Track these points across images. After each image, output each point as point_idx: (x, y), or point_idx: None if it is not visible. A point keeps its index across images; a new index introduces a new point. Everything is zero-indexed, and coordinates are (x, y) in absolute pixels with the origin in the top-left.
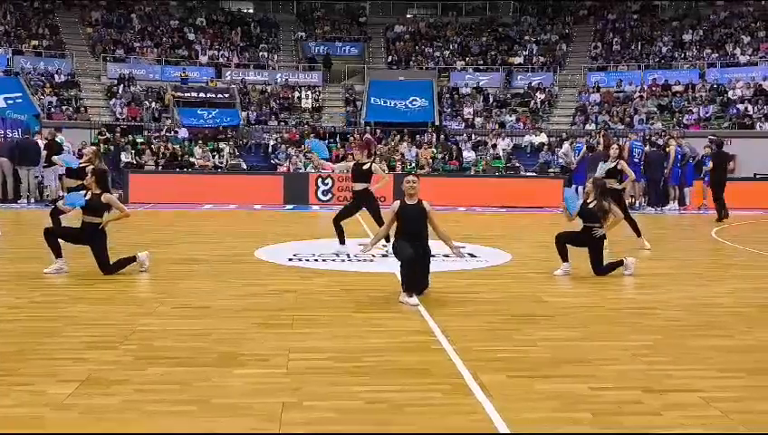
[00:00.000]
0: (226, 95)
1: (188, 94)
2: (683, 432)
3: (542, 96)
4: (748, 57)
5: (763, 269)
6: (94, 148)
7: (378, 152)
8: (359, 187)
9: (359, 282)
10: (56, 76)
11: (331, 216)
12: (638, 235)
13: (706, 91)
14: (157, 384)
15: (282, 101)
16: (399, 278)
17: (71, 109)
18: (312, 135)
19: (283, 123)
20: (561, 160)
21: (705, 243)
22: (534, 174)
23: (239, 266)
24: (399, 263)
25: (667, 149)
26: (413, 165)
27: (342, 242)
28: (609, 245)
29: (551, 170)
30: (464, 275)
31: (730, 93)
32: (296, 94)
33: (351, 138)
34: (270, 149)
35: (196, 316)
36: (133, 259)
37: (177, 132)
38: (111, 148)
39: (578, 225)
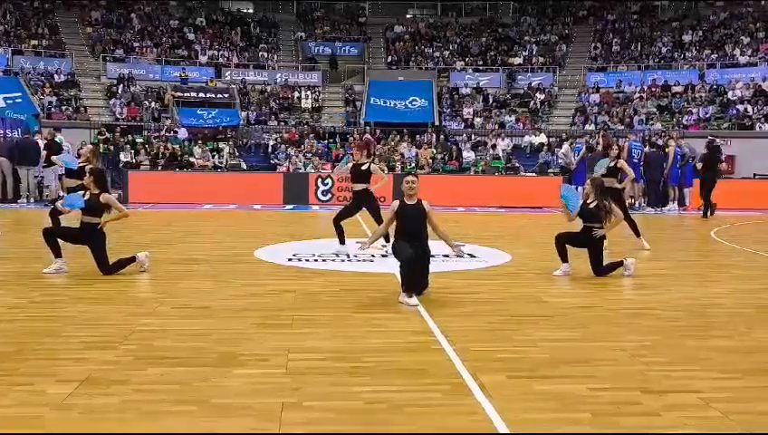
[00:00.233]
0: (226, 95)
1: (188, 94)
2: (682, 433)
3: (542, 96)
4: (748, 58)
5: (763, 270)
6: (91, 147)
7: (376, 153)
8: (358, 187)
9: (358, 282)
10: (56, 76)
11: (330, 216)
12: (638, 235)
13: (706, 92)
14: (156, 384)
15: (281, 101)
16: (399, 278)
17: (70, 109)
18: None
19: (282, 123)
20: (560, 161)
21: (705, 243)
22: (534, 174)
23: (239, 266)
24: (399, 263)
25: (667, 150)
26: (413, 165)
27: (342, 242)
28: (609, 245)
29: (550, 171)
30: (463, 276)
31: (730, 94)
32: (296, 94)
33: (351, 138)
34: (270, 150)
35: (196, 316)
36: (133, 260)
37: (176, 132)
38: (111, 148)
39: (577, 225)
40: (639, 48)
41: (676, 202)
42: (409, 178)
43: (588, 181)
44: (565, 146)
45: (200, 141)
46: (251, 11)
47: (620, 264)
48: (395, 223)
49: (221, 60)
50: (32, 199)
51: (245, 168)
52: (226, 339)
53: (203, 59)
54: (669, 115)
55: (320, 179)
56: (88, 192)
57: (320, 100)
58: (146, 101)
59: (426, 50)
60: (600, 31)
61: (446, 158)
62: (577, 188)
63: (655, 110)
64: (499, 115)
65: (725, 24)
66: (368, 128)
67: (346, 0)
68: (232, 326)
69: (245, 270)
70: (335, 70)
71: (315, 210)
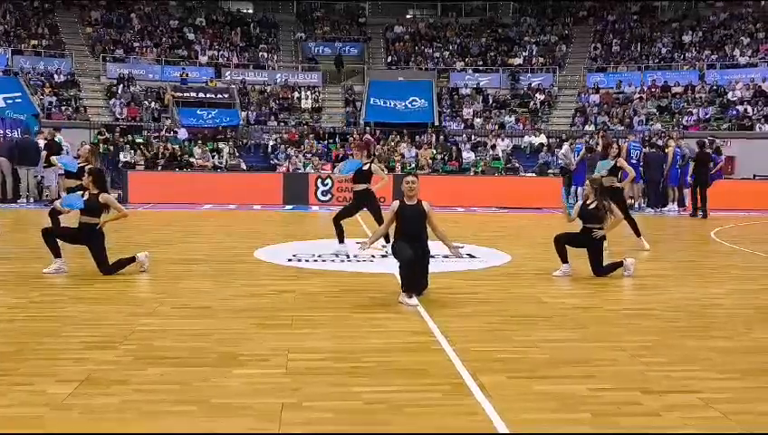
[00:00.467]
0: (226, 95)
1: (188, 94)
2: (682, 433)
3: (542, 97)
4: (747, 58)
5: (762, 270)
6: (89, 147)
7: (376, 153)
8: (359, 187)
9: (358, 282)
10: (56, 76)
11: (330, 216)
12: (638, 235)
13: (706, 93)
14: (156, 384)
15: (281, 102)
16: (398, 279)
17: (70, 109)
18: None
19: (282, 123)
20: (560, 161)
21: (705, 244)
22: (534, 175)
23: (239, 267)
24: (398, 264)
25: (666, 150)
26: (412, 165)
27: (342, 241)
28: (609, 246)
29: (550, 171)
30: (463, 276)
31: (729, 95)
32: (296, 95)
33: (351, 138)
34: (269, 150)
35: (196, 316)
36: (132, 260)
37: (176, 132)
38: (111, 148)
39: (577, 226)
40: (639, 49)
41: (676, 203)
42: (409, 178)
43: (587, 182)
44: (565, 146)
45: (200, 141)
46: (251, 11)
47: (620, 264)
48: (395, 223)
49: (221, 60)
50: (31, 199)
51: (245, 168)
52: (226, 339)
53: (203, 59)
54: (669, 116)
55: (319, 180)
56: (87, 192)
57: (319, 100)
58: (146, 102)
59: (426, 50)
60: (600, 31)
61: (446, 158)
62: (577, 189)
63: (655, 110)
64: (499, 116)
65: (725, 25)
66: (367, 128)
67: (346, 0)
68: (232, 326)
69: (245, 270)
70: (341, 70)
71: (315, 210)
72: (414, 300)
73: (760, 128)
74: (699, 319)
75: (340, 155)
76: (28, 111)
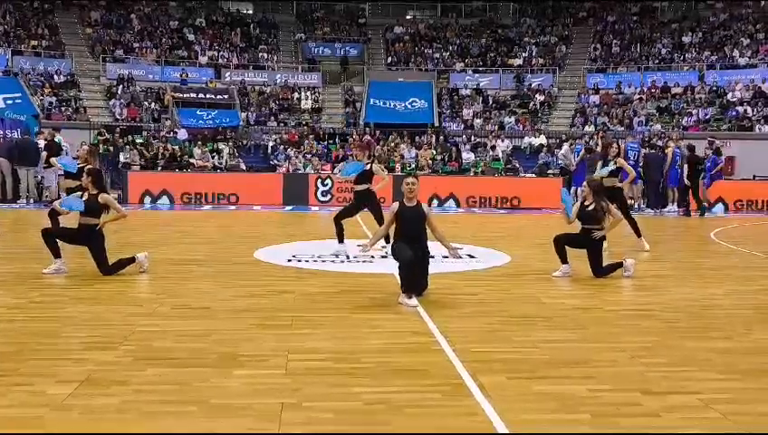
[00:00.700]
0: (226, 96)
1: (188, 95)
2: (682, 434)
3: (542, 98)
4: (747, 59)
5: (762, 271)
6: (87, 147)
7: (376, 154)
8: (360, 187)
9: (358, 283)
10: (56, 76)
11: (330, 217)
12: (639, 235)
13: (706, 93)
14: (156, 385)
15: (281, 102)
16: (398, 279)
17: (70, 109)
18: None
19: (282, 124)
20: (560, 162)
21: (704, 244)
22: (534, 175)
23: (238, 267)
24: (398, 264)
25: (666, 151)
26: (412, 166)
27: (341, 241)
28: (609, 246)
29: (550, 172)
30: (463, 277)
31: (729, 95)
32: (295, 95)
33: (351, 139)
34: (269, 150)
35: (196, 317)
36: (132, 260)
37: (176, 133)
38: (111, 148)
39: (577, 227)
40: (639, 49)
41: (676, 203)
42: (409, 179)
43: (584, 183)
44: (565, 147)
45: (200, 142)
46: (251, 12)
47: (620, 265)
48: (395, 224)
49: (221, 61)
50: (31, 200)
51: (245, 168)
52: (226, 340)
53: (203, 60)
54: (669, 116)
55: (319, 180)
56: (86, 193)
57: (319, 101)
58: (145, 102)
59: (425, 51)
60: (600, 32)
61: (446, 159)
62: (576, 190)
63: (654, 111)
64: (499, 116)
65: (725, 26)
66: (367, 129)
67: (346, 1)
68: (231, 327)
69: (245, 271)
70: (347, 70)
71: (315, 211)
72: (414, 301)
73: (760, 129)
74: (699, 320)
75: (340, 156)
76: (28, 112)
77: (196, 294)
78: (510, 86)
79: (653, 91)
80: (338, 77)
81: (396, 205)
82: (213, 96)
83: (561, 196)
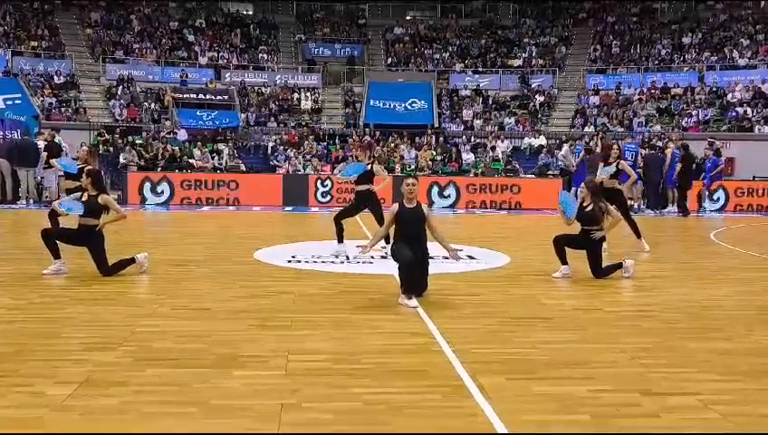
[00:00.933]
0: (226, 97)
1: (188, 96)
2: (681, 434)
3: (542, 98)
4: (747, 60)
5: (762, 272)
6: (87, 148)
7: (376, 154)
8: (361, 188)
9: (357, 284)
10: (55, 77)
11: (330, 217)
12: (638, 236)
13: (705, 94)
14: (156, 386)
15: (281, 103)
16: (398, 280)
17: (70, 110)
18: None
19: (282, 125)
20: (560, 163)
21: (704, 245)
22: (533, 176)
23: (238, 268)
24: (398, 265)
25: (666, 152)
26: (412, 167)
27: (341, 241)
28: (609, 247)
29: (550, 173)
30: (463, 278)
31: (729, 96)
32: (295, 96)
33: (351, 140)
34: (269, 151)
35: (195, 318)
36: (132, 261)
37: (176, 134)
38: (110, 149)
39: (576, 228)
40: (639, 50)
41: (676, 204)
42: (409, 180)
43: (582, 185)
44: (565, 148)
45: (200, 143)
46: (250, 12)
47: (620, 266)
48: (395, 225)
49: (221, 61)
50: (31, 201)
51: (245, 169)
52: (226, 340)
53: (202, 60)
54: (669, 117)
55: (319, 181)
56: (86, 193)
57: (319, 101)
58: (145, 103)
59: (425, 51)
60: (600, 33)
61: (446, 159)
62: (577, 191)
63: (654, 112)
64: (499, 117)
65: (725, 27)
66: (367, 130)
67: (346, 2)
68: (231, 328)
69: (245, 271)
70: (354, 69)
71: (315, 212)
72: (413, 301)
73: (759, 129)
74: (699, 320)
75: (340, 156)
76: (28, 113)
77: (196, 294)
78: (510, 87)
79: (653, 91)
80: (338, 78)
81: (396, 206)
82: (213, 97)
83: (560, 198)
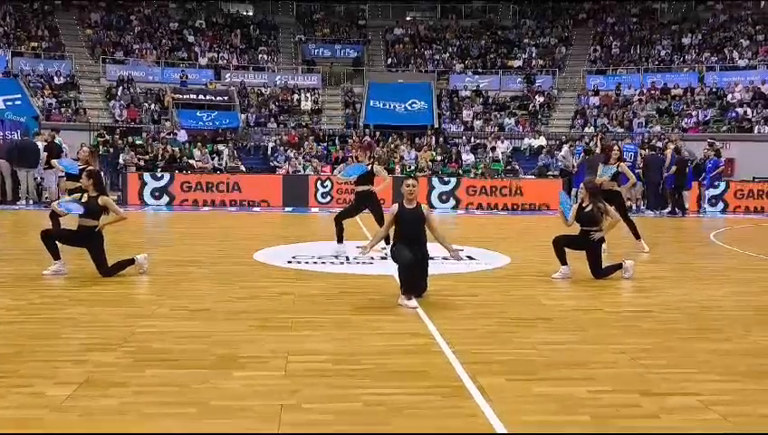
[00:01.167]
0: (226, 97)
1: (188, 96)
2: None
3: (542, 99)
4: (747, 61)
5: (762, 272)
6: (87, 149)
7: (375, 155)
8: (361, 188)
9: (357, 284)
10: (55, 78)
11: (329, 218)
12: (637, 237)
13: (705, 95)
14: (155, 386)
15: (281, 104)
16: (398, 281)
17: (70, 111)
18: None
19: (282, 126)
20: (560, 163)
21: (704, 246)
22: (533, 177)
23: (238, 269)
24: (398, 266)
25: (665, 153)
26: (412, 168)
27: (341, 241)
28: (609, 248)
29: (550, 173)
30: (463, 278)
31: (729, 97)
32: (295, 96)
33: (351, 140)
34: (269, 152)
35: (195, 318)
36: (132, 262)
37: (176, 134)
38: (110, 150)
39: (576, 229)
40: (639, 51)
41: (670, 204)
42: (409, 181)
43: (581, 185)
44: (565, 148)
45: (200, 143)
46: (250, 13)
47: (619, 266)
48: (394, 226)
49: (221, 62)
50: (31, 201)
51: (245, 170)
52: (225, 341)
53: (202, 61)
54: (669, 118)
55: (319, 182)
56: (86, 194)
57: (319, 102)
58: (145, 103)
59: (425, 52)
60: (600, 33)
61: (446, 160)
62: (577, 191)
63: (654, 112)
64: (498, 118)
65: (725, 27)
66: (367, 130)
67: (346, 2)
68: (231, 328)
69: (245, 272)
70: (360, 69)
71: (315, 212)
72: (413, 302)
73: (759, 130)
74: (698, 321)
75: (340, 157)
76: (28, 113)
77: (196, 295)
78: (509, 87)
79: (653, 92)
80: (338, 78)
81: (396, 206)
82: (213, 97)
83: (560, 198)
